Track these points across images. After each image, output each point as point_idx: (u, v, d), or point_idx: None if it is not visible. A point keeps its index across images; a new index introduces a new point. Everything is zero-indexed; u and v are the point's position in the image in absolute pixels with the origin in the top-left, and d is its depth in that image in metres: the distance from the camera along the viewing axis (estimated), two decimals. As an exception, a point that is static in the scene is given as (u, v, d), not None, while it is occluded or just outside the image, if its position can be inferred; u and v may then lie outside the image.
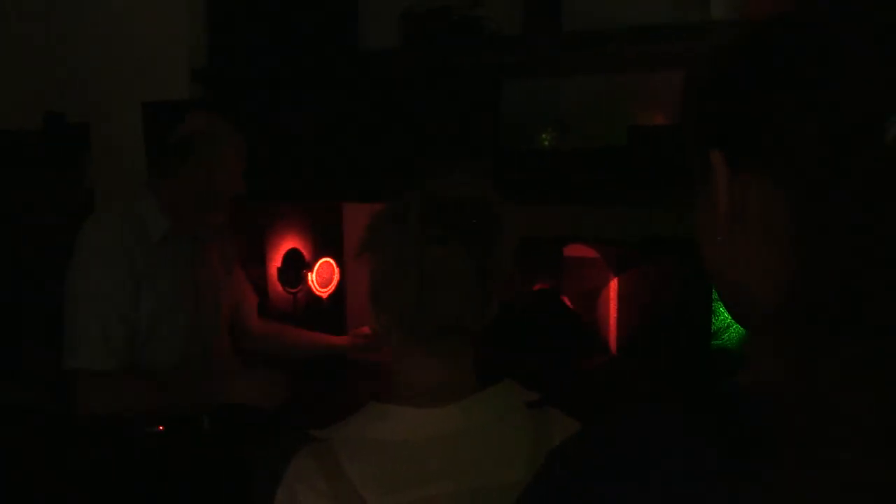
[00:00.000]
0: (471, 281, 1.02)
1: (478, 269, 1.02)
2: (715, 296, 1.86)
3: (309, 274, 2.69)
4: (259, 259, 2.67)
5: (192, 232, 2.06)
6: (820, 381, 0.50)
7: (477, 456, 1.03)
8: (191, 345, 2.04)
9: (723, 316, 1.89)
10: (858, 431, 0.47)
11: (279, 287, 2.67)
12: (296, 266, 2.70)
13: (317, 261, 2.72)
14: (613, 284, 2.07)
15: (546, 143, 2.12)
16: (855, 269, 0.51)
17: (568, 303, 2.17)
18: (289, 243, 2.74)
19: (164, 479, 1.93)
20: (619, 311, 2.07)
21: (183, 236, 2.04)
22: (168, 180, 2.00)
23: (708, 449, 0.51)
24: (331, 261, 2.75)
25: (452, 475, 1.02)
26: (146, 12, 2.65)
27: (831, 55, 0.56)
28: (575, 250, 2.14)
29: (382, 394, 1.11)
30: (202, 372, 2.03)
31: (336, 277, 2.75)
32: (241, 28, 2.60)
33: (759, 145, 0.58)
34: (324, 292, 2.73)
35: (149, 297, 1.95)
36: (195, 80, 2.56)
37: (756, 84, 0.59)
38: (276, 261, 2.70)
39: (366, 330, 2.38)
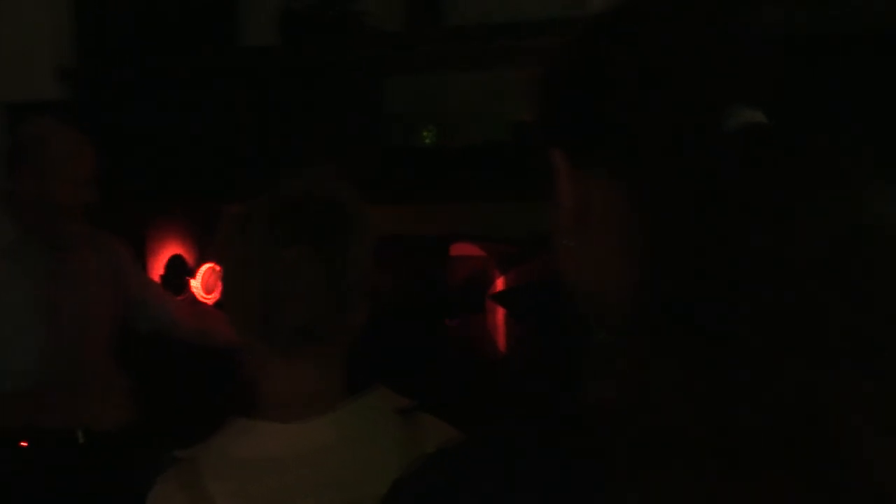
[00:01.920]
0: (319, 285, 0.98)
1: (327, 272, 0.98)
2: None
3: (192, 280, 2.59)
4: (140, 266, 2.55)
5: (47, 243, 1.94)
6: (651, 393, 0.47)
7: (346, 470, 0.99)
8: (48, 365, 1.91)
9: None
10: (683, 446, 0.45)
11: (162, 295, 2.56)
12: (179, 273, 2.60)
13: (200, 266, 2.62)
14: (499, 283, 2.06)
15: (427, 140, 2.09)
16: (690, 271, 0.49)
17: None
18: (171, 249, 2.64)
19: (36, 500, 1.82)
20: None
21: (37, 248, 1.93)
22: (13, 186, 1.89)
23: (554, 460, 0.49)
24: (215, 266, 2.65)
25: (320, 492, 0.97)
26: (9, 7, 2.49)
27: (668, 45, 0.54)
28: (461, 249, 2.12)
29: (250, 408, 1.05)
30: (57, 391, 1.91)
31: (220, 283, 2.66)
32: (112, 24, 2.47)
33: (597, 140, 0.56)
34: (209, 299, 2.63)
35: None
36: (63, 79, 2.42)
37: (591, 77, 0.56)
38: (157, 268, 2.59)
39: None
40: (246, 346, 1.03)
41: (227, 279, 1.03)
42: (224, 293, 1.04)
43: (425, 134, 2.11)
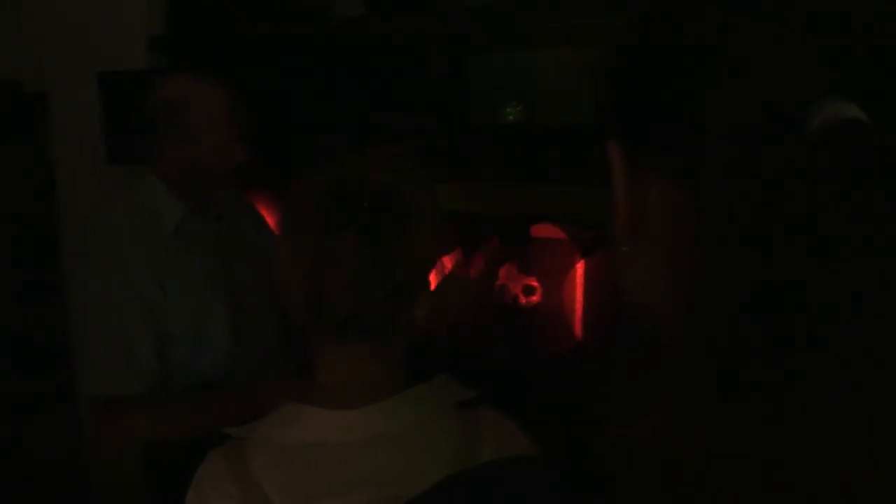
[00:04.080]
0: (367, 275, 0.93)
1: (376, 262, 0.93)
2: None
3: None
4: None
5: (209, 211, 1.82)
6: (686, 460, 0.40)
7: (396, 462, 0.96)
8: (238, 344, 1.79)
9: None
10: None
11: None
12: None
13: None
14: (580, 267, 1.98)
15: (511, 117, 2.03)
16: (755, 305, 0.42)
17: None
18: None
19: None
20: (586, 294, 1.98)
21: (201, 219, 1.80)
22: (160, 158, 1.76)
23: None
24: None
25: (368, 484, 0.94)
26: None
27: (746, 26, 0.47)
28: (542, 231, 2.05)
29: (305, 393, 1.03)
30: (248, 383, 1.70)
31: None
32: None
33: (659, 135, 0.49)
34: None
35: (178, 297, 1.70)
36: (153, 48, 2.45)
37: (656, 62, 0.49)
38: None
39: None
40: (302, 330, 1.01)
41: (280, 263, 1.00)
42: (278, 277, 1.01)
43: (509, 111, 2.04)
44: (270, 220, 2.66)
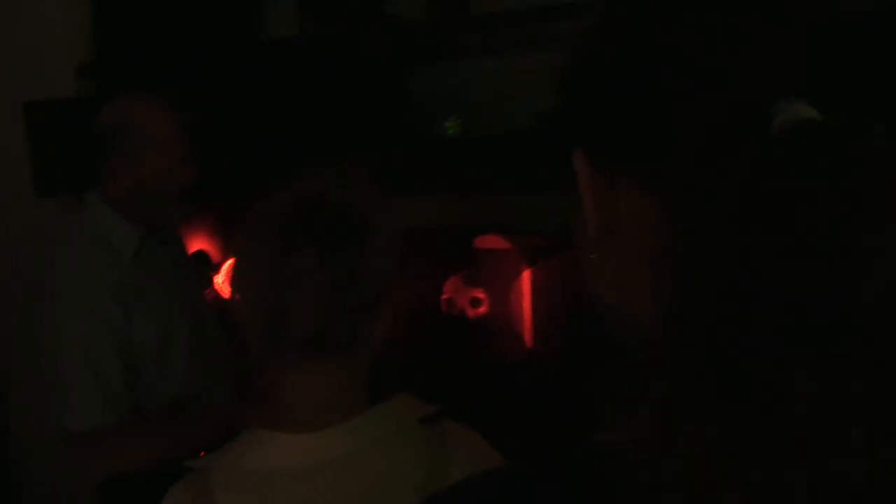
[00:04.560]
0: (327, 294, 0.92)
1: (335, 280, 0.92)
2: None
3: (216, 277, 2.56)
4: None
5: (160, 234, 1.79)
6: (687, 456, 0.41)
7: (363, 483, 0.94)
8: (203, 364, 1.79)
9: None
10: None
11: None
12: (203, 268, 2.57)
13: (224, 262, 2.59)
14: (526, 276, 2.00)
15: (451, 131, 2.04)
16: (732, 302, 0.42)
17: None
18: (195, 245, 2.61)
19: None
20: (534, 303, 2.00)
21: (155, 242, 1.78)
22: (109, 183, 1.72)
23: None
24: (239, 261, 2.62)
25: (336, 505, 0.93)
26: (27, 4, 2.47)
27: (709, 30, 0.47)
28: (487, 241, 2.07)
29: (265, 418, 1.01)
30: (214, 406, 1.72)
31: (246, 278, 2.63)
32: (130, 19, 2.44)
33: (626, 141, 0.49)
34: (234, 294, 2.60)
35: (143, 323, 1.68)
36: (81, 76, 2.40)
37: (620, 68, 0.50)
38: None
39: None
40: (259, 354, 0.99)
41: (236, 285, 0.99)
42: (233, 299, 0.99)
43: (448, 125, 2.05)
44: (203, 242, 2.62)
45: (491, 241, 2.06)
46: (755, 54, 0.46)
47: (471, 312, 2.16)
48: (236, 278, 0.99)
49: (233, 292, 0.99)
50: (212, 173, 2.00)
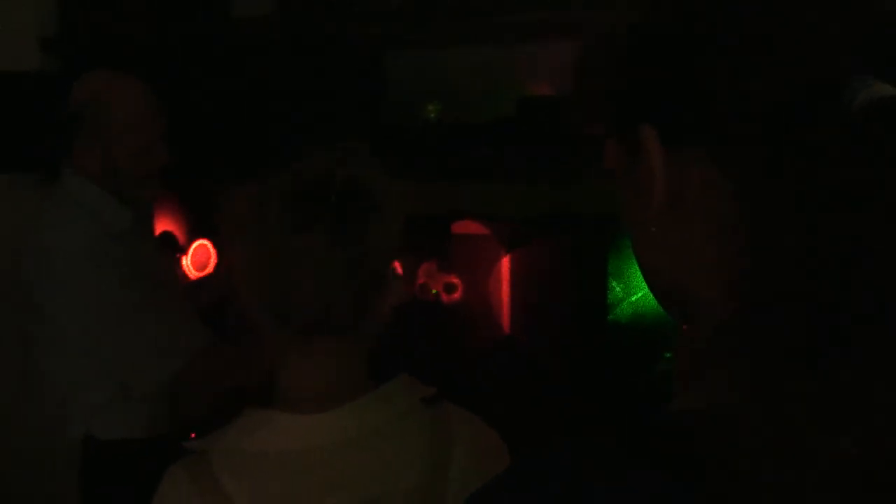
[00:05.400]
0: (336, 273, 0.91)
1: (346, 259, 0.91)
2: (610, 269, 1.83)
3: (183, 258, 2.51)
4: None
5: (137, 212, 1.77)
6: (782, 412, 0.41)
7: (369, 463, 0.94)
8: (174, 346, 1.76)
9: (616, 290, 1.85)
10: (833, 475, 0.40)
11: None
12: (169, 250, 2.52)
13: (191, 243, 2.54)
14: (505, 262, 2.00)
15: (432, 116, 2.03)
16: (802, 272, 0.43)
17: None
18: (161, 226, 2.55)
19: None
20: (512, 289, 2.01)
21: (136, 220, 1.77)
22: (79, 160, 1.69)
23: (660, 489, 0.42)
24: (206, 243, 2.57)
25: (342, 487, 0.92)
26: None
27: (779, 9, 0.47)
28: (464, 227, 2.06)
29: (266, 398, 1.00)
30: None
31: (213, 260, 2.58)
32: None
33: (697, 118, 0.49)
34: (200, 276, 2.55)
35: (143, 304, 1.67)
36: (45, 49, 2.32)
37: (688, 40, 0.50)
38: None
39: None
40: (263, 334, 0.98)
41: (241, 265, 0.96)
42: (237, 279, 0.97)
43: (430, 108, 2.04)
44: (169, 224, 2.57)
45: (468, 227, 2.06)
46: (830, 30, 0.46)
47: (445, 298, 2.16)
48: (238, 256, 0.97)
49: (235, 272, 0.97)
50: (177, 154, 1.97)
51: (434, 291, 2.17)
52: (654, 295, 0.57)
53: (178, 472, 0.96)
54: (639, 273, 0.58)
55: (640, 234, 0.55)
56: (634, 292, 1.84)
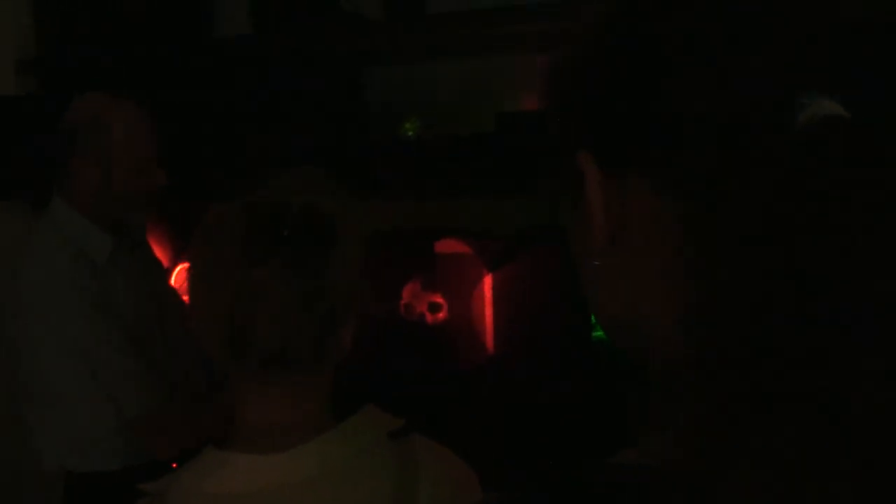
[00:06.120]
0: (294, 307, 0.88)
1: (303, 292, 0.88)
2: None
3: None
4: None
5: (120, 238, 1.74)
6: (734, 470, 0.38)
7: (332, 503, 0.90)
8: (172, 371, 1.74)
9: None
10: None
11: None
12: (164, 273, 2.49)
13: (174, 267, 2.51)
14: (487, 281, 1.97)
15: (410, 132, 2.00)
16: (760, 307, 0.40)
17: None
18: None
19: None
20: (496, 307, 1.97)
21: (119, 248, 1.73)
22: (75, 185, 1.66)
23: None
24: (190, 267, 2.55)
25: (303, 529, 0.88)
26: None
27: (727, 21, 0.44)
28: (447, 246, 2.03)
29: (224, 437, 0.96)
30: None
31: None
32: (75, 15, 2.35)
33: (637, 142, 0.46)
34: (185, 299, 2.52)
35: (122, 334, 1.64)
36: (23, 72, 2.30)
37: (630, 62, 0.46)
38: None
39: None
40: (219, 368, 0.94)
41: (195, 296, 0.93)
42: (192, 310, 0.94)
43: (408, 126, 2.01)
44: (154, 246, 2.54)
45: (450, 246, 2.03)
46: (774, 49, 0.43)
47: (430, 318, 2.13)
48: (194, 290, 0.94)
49: (190, 304, 0.94)
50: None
51: (419, 312, 2.14)
52: (604, 332, 0.54)
53: None
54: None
55: (583, 266, 0.52)
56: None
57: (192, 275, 0.95)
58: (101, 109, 1.65)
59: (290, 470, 0.90)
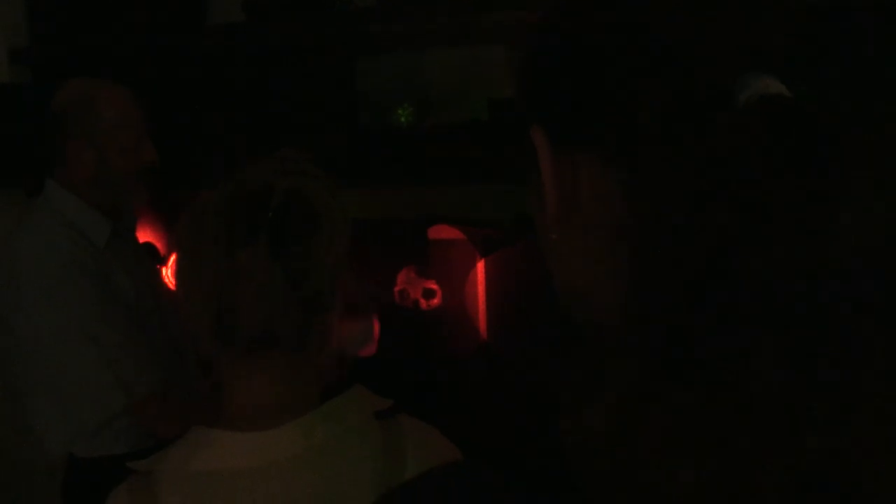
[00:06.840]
0: (277, 288, 0.89)
1: (287, 274, 0.89)
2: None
3: (164, 269, 2.49)
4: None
5: (115, 219, 1.76)
6: (641, 442, 0.39)
7: (319, 481, 0.91)
8: (168, 357, 1.75)
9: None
10: None
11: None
12: (151, 260, 2.50)
13: (171, 254, 2.52)
14: (480, 267, 1.98)
15: (403, 119, 2.00)
16: (693, 284, 0.41)
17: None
18: (142, 237, 2.54)
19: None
20: (488, 294, 1.98)
21: (115, 229, 1.76)
22: (69, 169, 1.68)
23: None
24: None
25: (288, 507, 0.89)
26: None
27: (668, 5, 0.46)
28: (440, 232, 2.04)
29: (212, 417, 0.97)
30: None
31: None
32: (67, 2, 2.34)
33: (585, 117, 0.47)
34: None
35: (121, 316, 1.66)
36: (15, 61, 2.30)
37: (579, 45, 0.48)
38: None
39: None
40: (206, 350, 0.95)
41: (181, 279, 0.94)
42: (178, 292, 0.95)
43: (400, 112, 2.01)
44: (149, 235, 2.55)
45: (444, 232, 2.03)
46: (718, 29, 0.44)
47: (424, 304, 2.14)
48: (180, 274, 0.95)
49: (177, 289, 0.95)
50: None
51: (414, 298, 2.15)
52: (562, 305, 0.55)
53: (121, 494, 0.93)
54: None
55: (542, 240, 0.53)
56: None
57: (179, 258, 0.96)
58: (89, 92, 1.68)
59: (276, 448, 0.92)
